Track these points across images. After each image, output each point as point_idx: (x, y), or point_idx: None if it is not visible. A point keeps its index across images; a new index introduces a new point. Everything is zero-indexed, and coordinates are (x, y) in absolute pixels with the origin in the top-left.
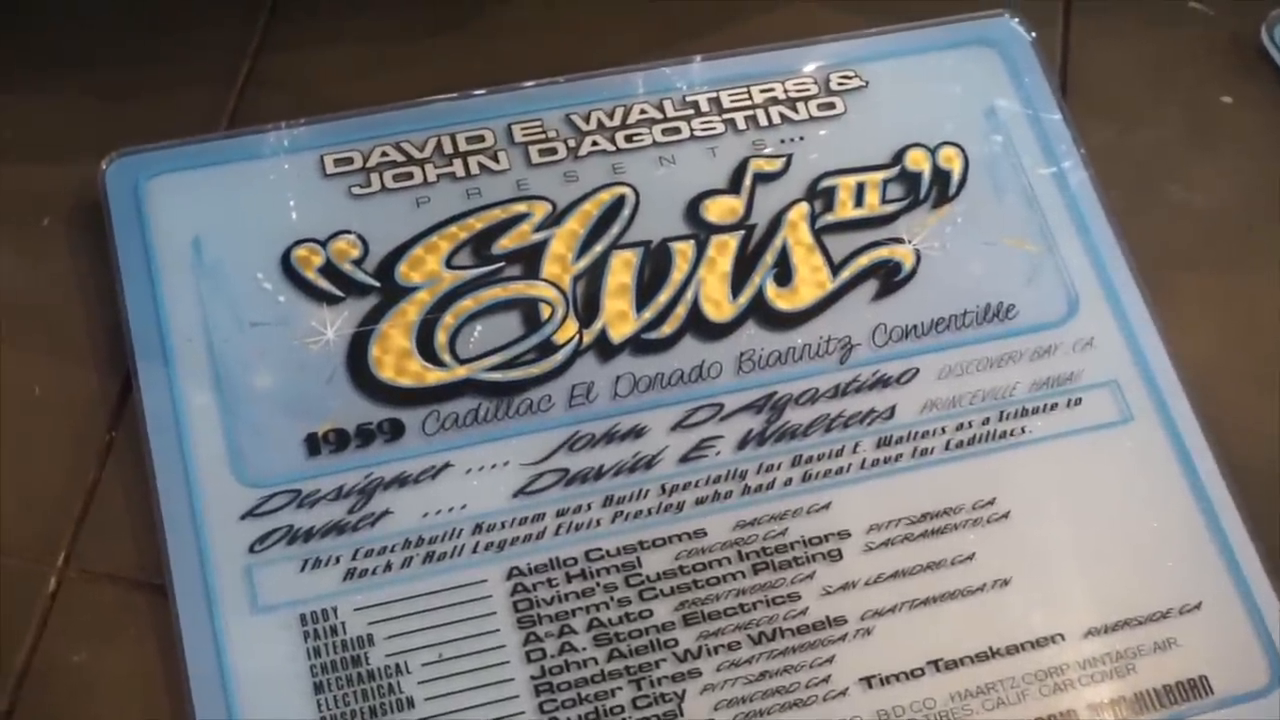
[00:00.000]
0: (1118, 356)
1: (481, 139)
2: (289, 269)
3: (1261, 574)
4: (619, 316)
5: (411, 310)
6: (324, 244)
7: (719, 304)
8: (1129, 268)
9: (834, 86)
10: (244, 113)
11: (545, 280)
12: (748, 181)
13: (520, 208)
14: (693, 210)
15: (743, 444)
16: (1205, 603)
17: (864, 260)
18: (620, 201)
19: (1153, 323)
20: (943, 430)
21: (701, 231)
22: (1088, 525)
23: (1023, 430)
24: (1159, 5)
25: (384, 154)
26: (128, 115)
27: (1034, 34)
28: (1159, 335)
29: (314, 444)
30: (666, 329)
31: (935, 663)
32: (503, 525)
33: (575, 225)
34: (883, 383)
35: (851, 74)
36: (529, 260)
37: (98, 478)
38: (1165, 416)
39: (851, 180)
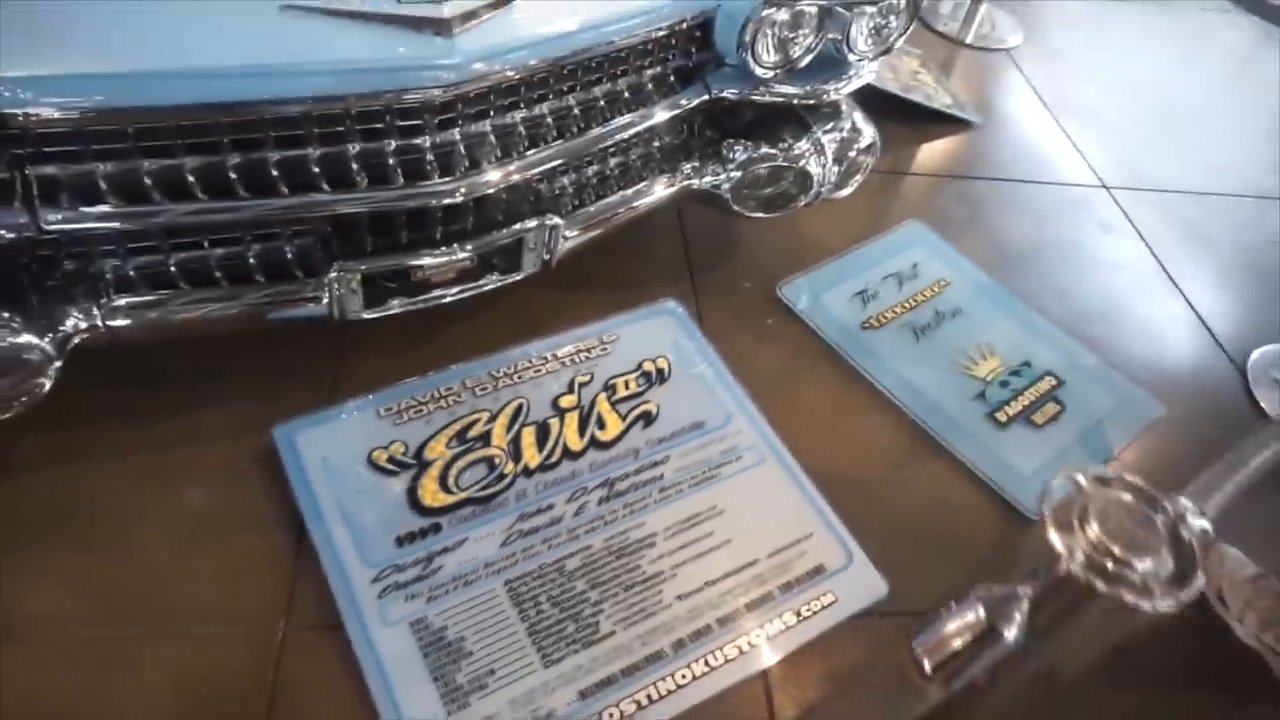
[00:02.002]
0: (752, 434)
1: (451, 389)
2: (372, 463)
3: (833, 515)
4: (532, 456)
5: (435, 470)
6: (387, 448)
7: (575, 442)
8: (748, 396)
9: (605, 339)
10: (338, 390)
11: (495, 446)
12: (577, 388)
13: (475, 416)
14: (554, 404)
15: (600, 502)
16: (814, 532)
17: (635, 413)
18: (520, 406)
19: (763, 416)
20: (686, 480)
21: (560, 413)
22: (758, 510)
23: (719, 473)
24: (732, 287)
25: (407, 403)
26: (278, 399)
27: (684, 306)
28: (768, 422)
29: (400, 541)
30: (554, 458)
31: (708, 582)
32: (498, 561)
33: (503, 420)
34: (654, 464)
35: (613, 334)
36: (485, 438)
37: (294, 578)
38: (779, 456)
39: (621, 379)
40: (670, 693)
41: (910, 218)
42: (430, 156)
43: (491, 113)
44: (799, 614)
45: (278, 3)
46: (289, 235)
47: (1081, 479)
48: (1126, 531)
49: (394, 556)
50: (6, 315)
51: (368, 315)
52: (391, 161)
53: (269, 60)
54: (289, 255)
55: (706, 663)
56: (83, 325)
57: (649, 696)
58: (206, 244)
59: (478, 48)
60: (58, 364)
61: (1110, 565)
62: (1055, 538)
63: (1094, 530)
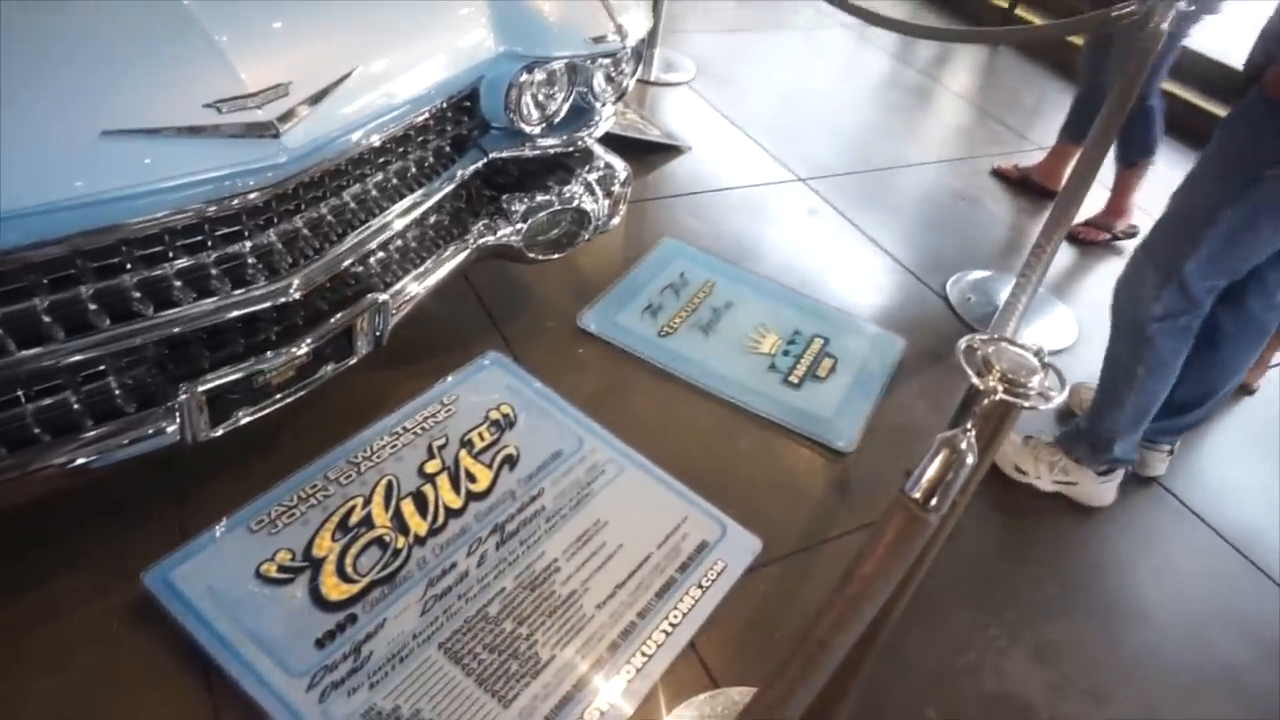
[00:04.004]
0: (606, 450)
1: (316, 485)
2: (262, 577)
3: (697, 496)
4: (418, 525)
5: (329, 565)
6: (272, 559)
7: (454, 500)
8: (589, 418)
9: (446, 401)
10: (198, 519)
11: (380, 526)
12: (437, 452)
13: (350, 504)
14: (422, 471)
15: (498, 547)
16: (687, 516)
17: (498, 459)
18: (390, 483)
19: (609, 432)
20: (566, 505)
21: (430, 478)
22: (636, 511)
23: (592, 490)
24: (538, 329)
25: (276, 511)
26: (136, 543)
27: (503, 356)
28: (615, 435)
29: (320, 642)
30: (440, 521)
31: (617, 586)
32: (425, 629)
33: (379, 499)
34: (533, 499)
35: (451, 394)
36: (367, 521)
37: (217, 718)
38: (636, 462)
39: (475, 433)
40: (622, 691)
41: (664, 236)
42: (251, 260)
43: (303, 206)
44: (700, 586)
45: (96, 129)
46: (121, 368)
47: (973, 342)
48: (1015, 364)
49: (320, 659)
50: None
51: (217, 433)
52: (215, 271)
53: (90, 190)
54: (119, 391)
55: (642, 653)
56: None
57: (608, 701)
58: (23, 398)
59: (302, 144)
60: None
61: (1018, 387)
62: (977, 381)
63: (997, 369)
